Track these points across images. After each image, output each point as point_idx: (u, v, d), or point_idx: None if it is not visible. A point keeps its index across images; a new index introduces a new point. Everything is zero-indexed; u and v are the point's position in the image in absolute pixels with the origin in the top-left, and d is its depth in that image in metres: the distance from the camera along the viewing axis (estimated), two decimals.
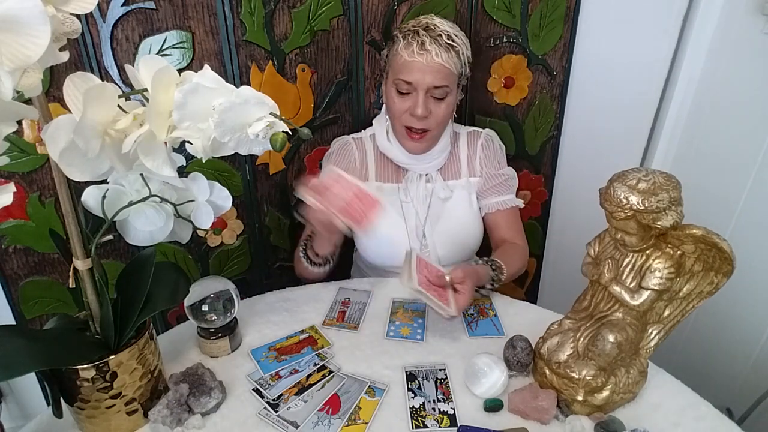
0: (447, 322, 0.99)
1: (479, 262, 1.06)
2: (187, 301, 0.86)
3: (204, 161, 0.62)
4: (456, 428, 0.77)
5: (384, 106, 1.18)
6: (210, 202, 0.73)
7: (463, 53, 1.06)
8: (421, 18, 1.07)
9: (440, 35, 1.02)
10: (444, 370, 0.88)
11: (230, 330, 0.90)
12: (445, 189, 1.18)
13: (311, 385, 0.84)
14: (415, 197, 1.18)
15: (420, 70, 1.03)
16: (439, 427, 0.78)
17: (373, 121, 1.22)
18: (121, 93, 0.55)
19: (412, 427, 0.78)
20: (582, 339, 0.79)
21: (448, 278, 0.94)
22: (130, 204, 0.68)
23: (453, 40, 1.04)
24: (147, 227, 0.70)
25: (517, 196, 1.23)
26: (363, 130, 1.24)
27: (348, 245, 1.33)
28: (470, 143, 1.22)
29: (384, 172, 1.20)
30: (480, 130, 1.23)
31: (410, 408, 0.81)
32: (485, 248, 1.29)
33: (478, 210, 1.22)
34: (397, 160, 1.17)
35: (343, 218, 0.87)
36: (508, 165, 1.25)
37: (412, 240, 1.18)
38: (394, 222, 1.17)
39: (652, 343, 0.81)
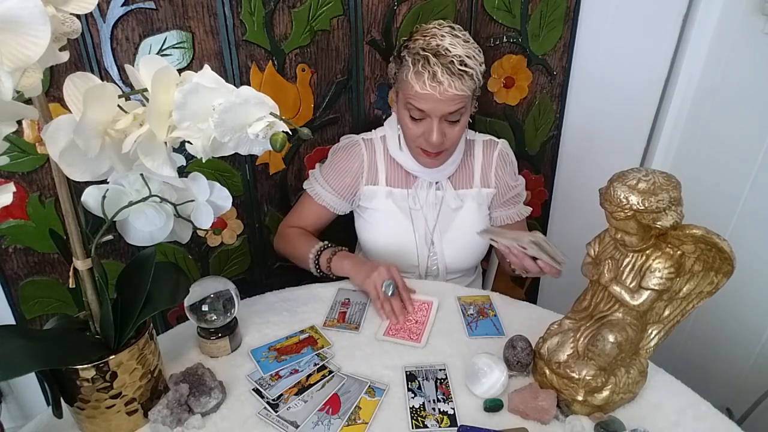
0: (446, 322, 0.99)
1: None
2: (187, 301, 0.86)
3: (204, 161, 0.62)
4: (456, 428, 0.77)
5: (395, 114, 1.16)
6: (210, 202, 0.73)
7: (476, 75, 1.01)
8: (429, 38, 1.00)
9: (452, 62, 0.96)
10: (444, 370, 0.88)
11: (230, 330, 0.90)
12: (456, 199, 1.17)
13: (311, 385, 0.84)
14: (425, 204, 1.17)
15: (433, 101, 0.99)
16: (439, 427, 0.78)
17: (385, 123, 1.20)
18: (121, 93, 0.55)
19: (412, 427, 0.78)
20: (582, 339, 0.79)
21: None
22: (130, 204, 0.68)
23: (466, 65, 0.97)
24: (147, 227, 0.70)
25: None
26: (373, 130, 1.22)
27: (350, 245, 1.33)
28: (486, 153, 1.20)
29: (394, 177, 1.18)
30: (496, 139, 1.22)
31: (410, 408, 0.81)
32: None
33: (488, 220, 1.22)
34: (407, 167, 1.16)
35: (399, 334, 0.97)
36: None
37: (421, 247, 1.18)
38: (404, 229, 1.17)
39: (652, 343, 0.81)
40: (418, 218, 1.17)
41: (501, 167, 1.20)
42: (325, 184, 1.19)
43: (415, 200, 1.17)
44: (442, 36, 0.99)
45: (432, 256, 1.19)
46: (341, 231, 1.36)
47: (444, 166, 1.15)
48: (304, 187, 1.23)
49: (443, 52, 0.97)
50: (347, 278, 1.10)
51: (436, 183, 1.17)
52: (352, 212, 1.26)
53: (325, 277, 1.13)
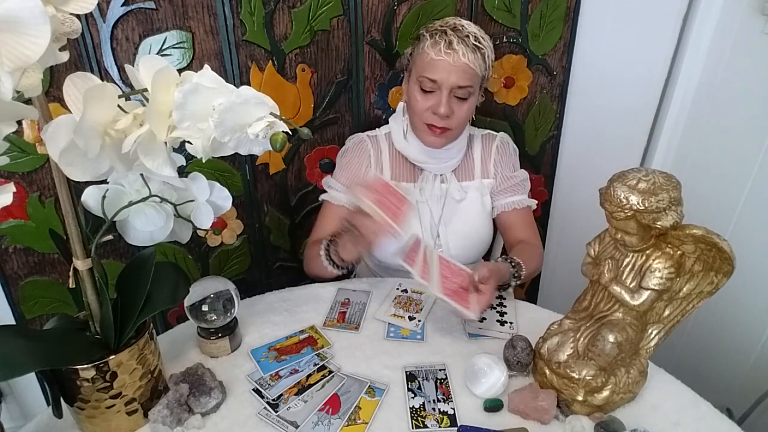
0: (446, 322, 0.99)
1: (498, 260, 1.06)
2: (187, 301, 0.86)
3: (204, 161, 0.62)
4: (456, 428, 0.77)
5: (401, 104, 1.18)
6: (210, 202, 0.73)
7: (488, 56, 1.07)
8: (448, 19, 1.07)
9: (468, 36, 1.03)
10: (444, 370, 0.88)
11: (230, 330, 0.90)
12: (460, 190, 1.19)
13: (311, 385, 0.84)
14: (430, 197, 1.18)
15: (446, 69, 1.03)
16: (439, 427, 0.78)
17: (390, 119, 1.21)
18: (121, 93, 0.55)
19: (412, 427, 0.78)
20: (582, 339, 0.79)
21: (476, 277, 0.93)
22: (130, 204, 0.68)
23: (480, 42, 1.04)
24: (147, 227, 0.70)
25: None
26: (378, 128, 1.24)
27: None
28: (485, 145, 1.22)
29: (399, 171, 1.20)
30: (494, 133, 1.24)
31: (410, 408, 0.81)
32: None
33: (491, 211, 1.23)
34: (413, 158, 1.17)
35: (392, 222, 0.91)
36: None
37: (427, 239, 1.18)
38: (410, 222, 1.17)
39: (652, 343, 0.81)
40: (424, 211, 1.18)
41: (499, 159, 1.22)
42: (339, 186, 1.19)
43: (422, 193, 1.18)
44: (458, 18, 1.08)
45: (438, 248, 1.20)
46: None
47: (449, 155, 1.16)
48: (321, 198, 1.22)
49: (459, 28, 1.04)
50: (353, 271, 1.08)
51: (441, 176, 1.18)
52: None
53: (346, 269, 1.10)
